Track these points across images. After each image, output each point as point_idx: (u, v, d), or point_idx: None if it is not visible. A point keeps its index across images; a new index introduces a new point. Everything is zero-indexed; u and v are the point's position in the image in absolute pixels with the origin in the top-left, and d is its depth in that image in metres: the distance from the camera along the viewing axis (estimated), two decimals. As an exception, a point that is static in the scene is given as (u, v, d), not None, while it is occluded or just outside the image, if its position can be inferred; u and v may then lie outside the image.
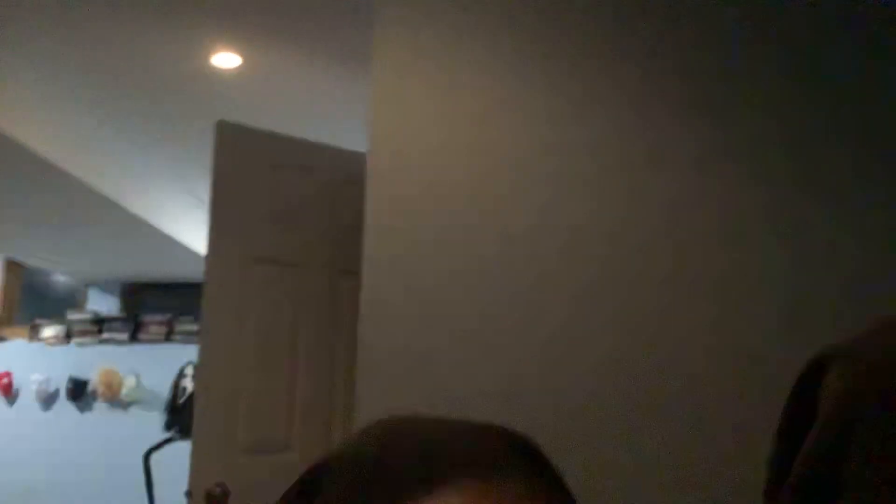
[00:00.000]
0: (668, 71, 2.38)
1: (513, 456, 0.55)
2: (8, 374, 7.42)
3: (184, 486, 2.72)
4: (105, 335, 7.48)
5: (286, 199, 3.07)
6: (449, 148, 2.46)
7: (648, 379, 2.21)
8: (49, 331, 7.53)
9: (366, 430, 0.56)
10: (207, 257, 2.93)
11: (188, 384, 6.67)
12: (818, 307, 2.15)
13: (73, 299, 8.04)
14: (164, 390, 7.10)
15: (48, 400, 7.41)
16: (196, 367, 3.62)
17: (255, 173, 3.02)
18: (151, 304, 7.78)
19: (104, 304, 7.91)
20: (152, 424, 6.80)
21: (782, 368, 2.08)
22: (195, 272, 7.46)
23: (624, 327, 2.25)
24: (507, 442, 0.56)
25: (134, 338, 7.47)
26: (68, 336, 7.52)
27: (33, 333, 7.55)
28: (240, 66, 4.03)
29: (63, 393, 7.39)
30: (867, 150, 2.24)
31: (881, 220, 2.17)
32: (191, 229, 6.54)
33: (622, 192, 2.33)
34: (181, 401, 6.75)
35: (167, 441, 5.67)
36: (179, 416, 6.62)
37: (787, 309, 2.18)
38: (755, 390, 2.13)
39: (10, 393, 7.41)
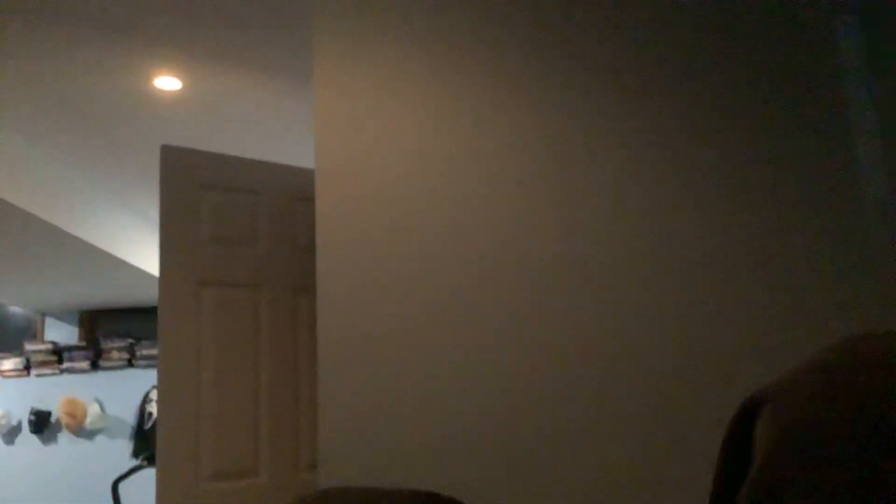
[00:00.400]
0: (611, 72, 2.42)
1: None
2: (-33, 411, 7.30)
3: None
4: (65, 364, 7.37)
5: (237, 219, 3.05)
6: (394, 159, 2.47)
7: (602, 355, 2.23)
8: (7, 364, 7.40)
9: (303, 501, 0.56)
10: (160, 282, 2.90)
11: (154, 409, 6.60)
12: (802, 315, 2.19)
13: (30, 330, 7.90)
14: (130, 416, 7.01)
15: (10, 434, 7.28)
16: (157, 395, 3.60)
17: (203, 196, 3.00)
18: (111, 330, 7.68)
19: (62, 333, 7.79)
20: (119, 452, 6.71)
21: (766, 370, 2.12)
22: (153, 296, 7.41)
23: (574, 330, 2.28)
24: None
25: (95, 365, 7.37)
26: (28, 368, 7.40)
27: (-9, 367, 7.43)
28: (181, 90, 4.00)
29: (25, 425, 7.27)
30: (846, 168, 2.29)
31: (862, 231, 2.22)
32: (145, 253, 6.46)
33: (578, 191, 2.35)
34: (147, 426, 6.67)
35: (135, 469, 5.60)
36: (147, 442, 6.54)
37: (773, 318, 2.22)
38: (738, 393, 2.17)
39: (-29, 430, 7.28)
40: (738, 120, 2.32)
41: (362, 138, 2.50)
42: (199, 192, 3.00)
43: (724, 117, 2.33)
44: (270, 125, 4.48)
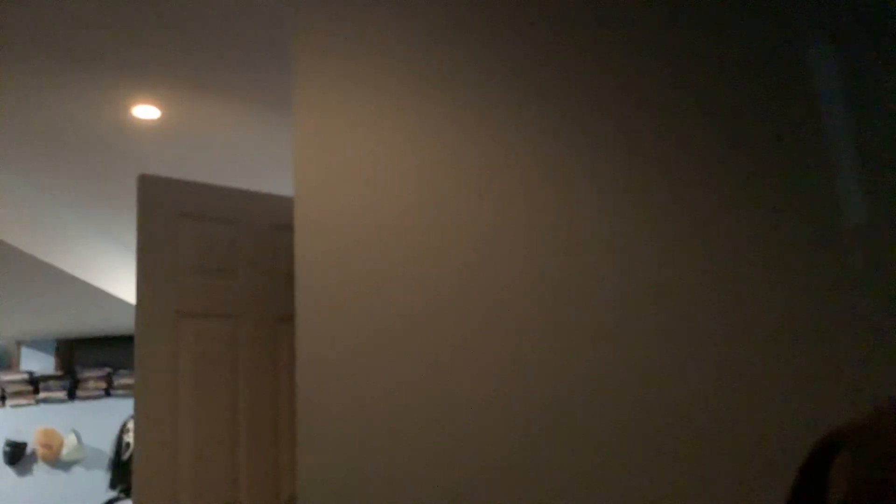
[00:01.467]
0: (597, 100, 2.43)
1: None
2: (-60, 443, 7.17)
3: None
4: (42, 394, 7.26)
5: (216, 249, 3.03)
6: (375, 188, 2.46)
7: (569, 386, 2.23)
8: (-18, 394, 7.30)
9: None
10: (137, 313, 2.87)
11: (132, 439, 6.53)
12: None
13: (5, 360, 7.79)
14: (107, 447, 6.91)
15: (-15, 466, 7.16)
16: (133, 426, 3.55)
17: (182, 225, 2.98)
18: (88, 359, 7.58)
19: (39, 362, 7.68)
20: (97, 483, 6.61)
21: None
22: (131, 324, 7.33)
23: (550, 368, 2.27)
24: None
25: (72, 395, 7.27)
26: (3, 398, 7.29)
27: (-35, 399, 7.32)
28: (159, 118, 3.98)
29: (0, 457, 7.15)
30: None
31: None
32: (123, 282, 6.41)
33: (562, 235, 2.36)
34: (125, 457, 6.59)
35: (113, 500, 5.53)
36: (124, 473, 6.46)
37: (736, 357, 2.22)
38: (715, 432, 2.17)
39: (-56, 462, 7.15)
40: (716, 152, 2.33)
41: (341, 165, 2.49)
42: (177, 221, 2.97)
43: (697, 151, 2.34)
44: (250, 152, 4.47)
